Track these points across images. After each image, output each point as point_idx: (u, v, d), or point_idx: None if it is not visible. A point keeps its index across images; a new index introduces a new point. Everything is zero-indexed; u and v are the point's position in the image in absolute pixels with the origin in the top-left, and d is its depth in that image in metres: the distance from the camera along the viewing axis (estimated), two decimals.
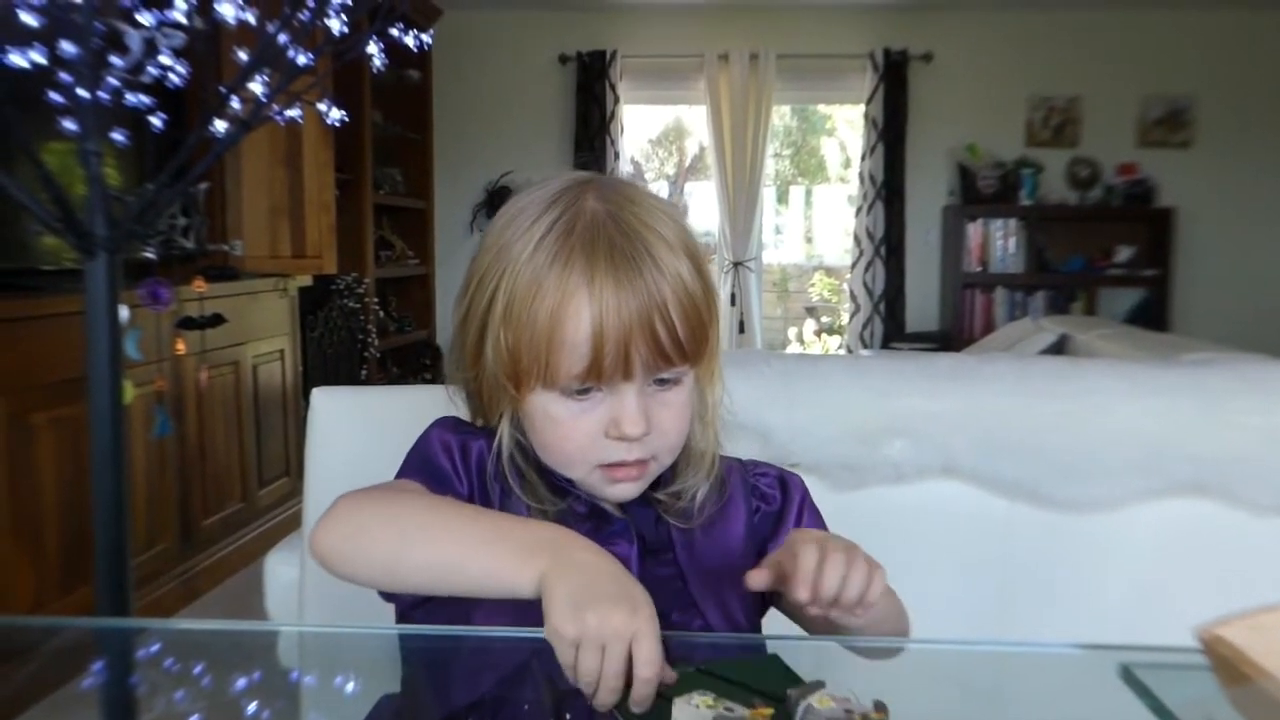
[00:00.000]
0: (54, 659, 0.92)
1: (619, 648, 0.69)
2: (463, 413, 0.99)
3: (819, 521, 1.03)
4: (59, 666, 0.89)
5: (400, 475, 0.94)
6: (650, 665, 0.69)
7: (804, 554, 0.78)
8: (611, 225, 0.87)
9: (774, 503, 1.02)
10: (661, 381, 0.90)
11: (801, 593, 0.77)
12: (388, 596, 0.94)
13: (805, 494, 1.04)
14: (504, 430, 0.94)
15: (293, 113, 1.68)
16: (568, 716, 0.79)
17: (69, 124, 1.56)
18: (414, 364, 5.50)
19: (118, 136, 1.60)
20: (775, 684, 0.75)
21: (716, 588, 0.96)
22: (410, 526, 0.83)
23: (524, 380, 0.89)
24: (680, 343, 0.87)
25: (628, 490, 0.92)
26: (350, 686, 0.91)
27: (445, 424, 0.97)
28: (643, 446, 0.89)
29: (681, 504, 0.95)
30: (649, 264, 0.86)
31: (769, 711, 0.68)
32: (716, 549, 0.97)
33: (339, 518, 0.84)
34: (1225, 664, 0.71)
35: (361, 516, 0.85)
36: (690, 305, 0.88)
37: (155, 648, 0.97)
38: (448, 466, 0.93)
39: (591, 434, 0.89)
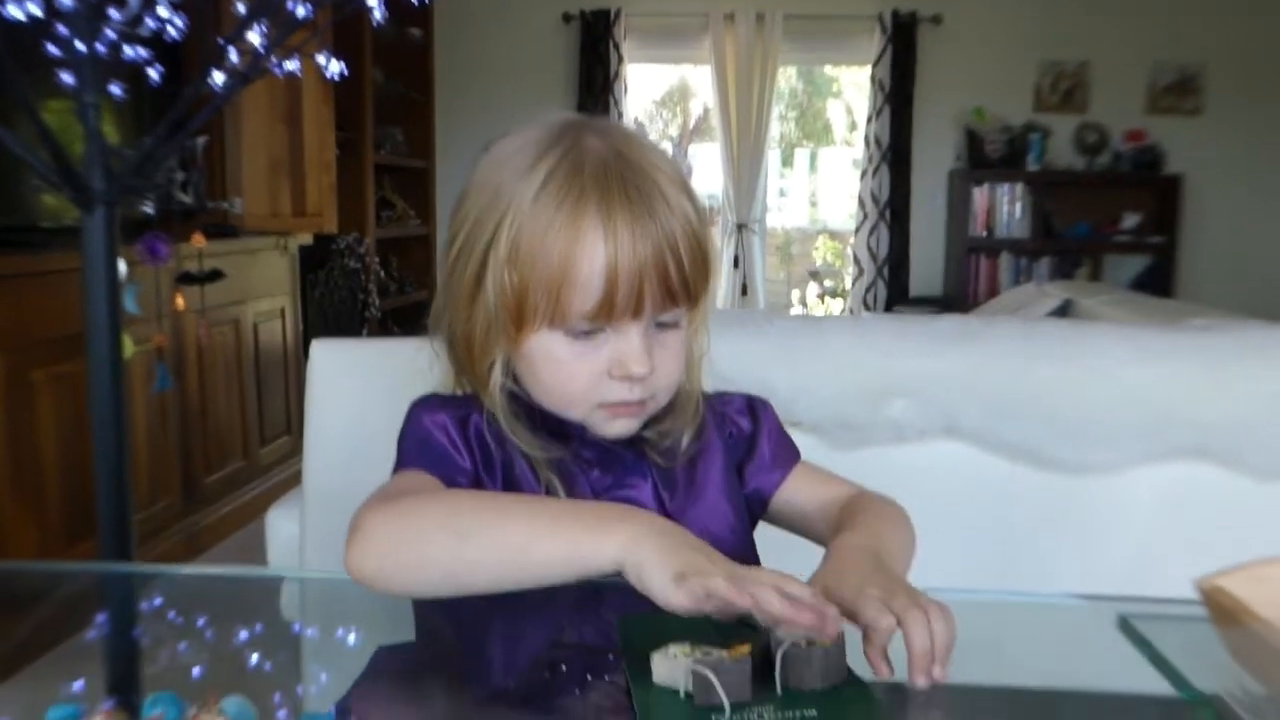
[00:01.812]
0: (60, 610, 0.93)
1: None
2: (442, 366, 0.98)
3: (787, 446, 1.05)
4: (65, 618, 0.90)
5: (400, 467, 0.92)
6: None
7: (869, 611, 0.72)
8: (620, 163, 0.87)
9: (745, 428, 1.04)
10: (661, 325, 0.90)
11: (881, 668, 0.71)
12: None
13: (774, 419, 1.06)
14: (496, 378, 0.93)
15: (291, 66, 1.66)
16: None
17: (66, 77, 1.55)
18: (415, 324, 5.49)
19: (115, 90, 1.59)
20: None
21: (701, 520, 0.97)
22: (465, 524, 0.79)
23: (528, 320, 0.88)
24: (687, 281, 0.88)
25: (626, 426, 0.93)
26: (351, 638, 0.92)
27: (429, 403, 0.95)
28: (644, 386, 0.90)
29: (666, 443, 0.96)
30: (661, 201, 0.86)
31: (745, 648, 0.68)
32: (698, 482, 0.98)
33: (375, 534, 0.79)
34: (1225, 614, 0.71)
35: (402, 526, 0.80)
36: (696, 244, 0.89)
37: (158, 601, 0.98)
38: (445, 443, 0.91)
39: (596, 374, 0.89)
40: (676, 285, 0.87)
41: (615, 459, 0.95)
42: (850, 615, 0.71)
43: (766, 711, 0.65)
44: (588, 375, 0.89)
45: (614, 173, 0.86)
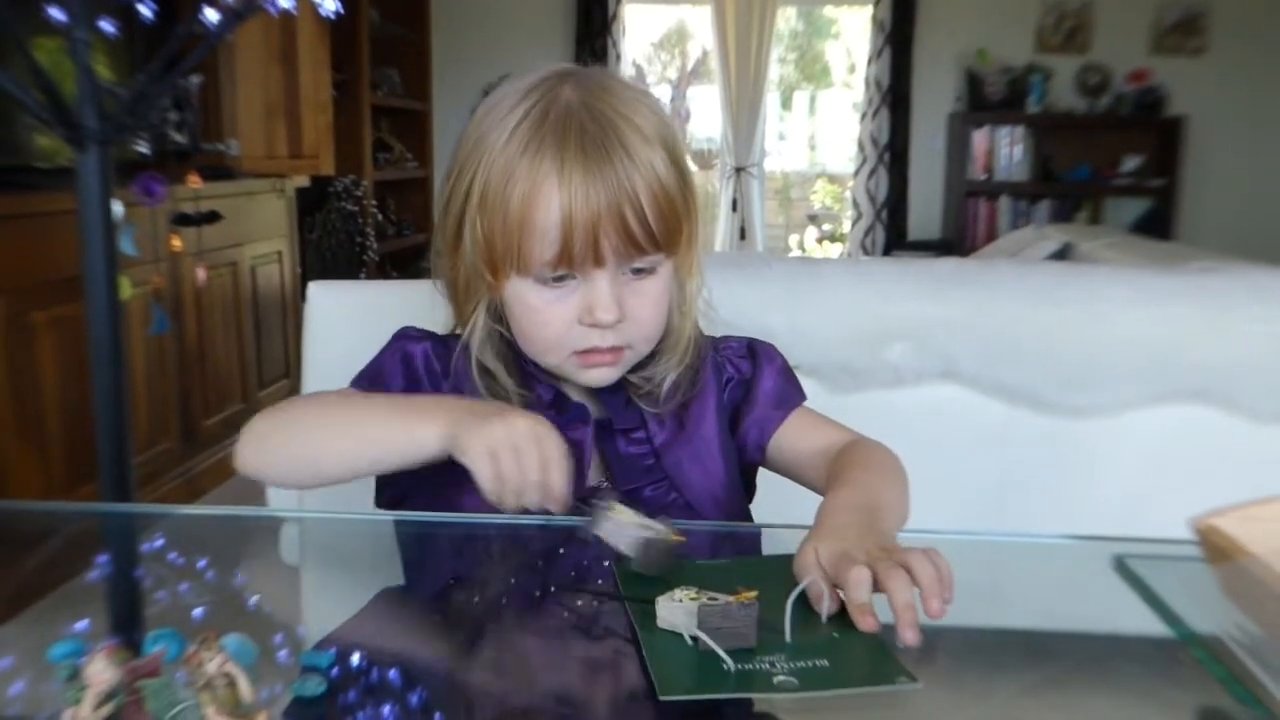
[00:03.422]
0: (62, 551, 0.93)
1: (530, 446, 0.78)
2: (443, 307, 1.01)
3: (791, 388, 1.05)
4: (67, 559, 0.90)
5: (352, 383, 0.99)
6: (558, 450, 0.79)
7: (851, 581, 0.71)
8: (584, 113, 0.88)
9: (744, 371, 1.04)
10: (638, 271, 0.91)
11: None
12: (379, 499, 0.99)
13: (776, 360, 1.05)
14: (479, 320, 0.95)
15: (285, 3, 1.64)
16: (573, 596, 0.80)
17: (57, 13, 1.53)
18: (413, 268, 5.47)
19: (106, 26, 1.57)
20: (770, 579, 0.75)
21: (693, 464, 0.98)
22: (317, 420, 0.91)
23: (500, 268, 0.90)
24: (651, 231, 0.88)
25: (603, 375, 0.94)
26: (351, 579, 0.92)
27: (402, 332, 1.01)
28: (617, 334, 0.91)
29: (650, 388, 0.97)
30: (619, 152, 0.87)
31: (753, 594, 0.68)
32: (689, 428, 0.99)
33: (256, 432, 0.91)
34: (1219, 554, 0.72)
35: (277, 424, 0.92)
36: (663, 194, 0.89)
37: (159, 541, 0.98)
38: (389, 369, 0.97)
39: (566, 321, 0.90)
40: (639, 234, 0.88)
41: (566, 405, 0.98)
42: (837, 585, 0.72)
43: (778, 660, 0.66)
44: (560, 322, 0.91)
45: (574, 123, 0.87)
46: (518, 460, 0.78)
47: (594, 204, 0.86)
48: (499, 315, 0.96)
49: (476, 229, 0.90)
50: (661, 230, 0.89)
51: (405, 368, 0.98)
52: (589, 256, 0.87)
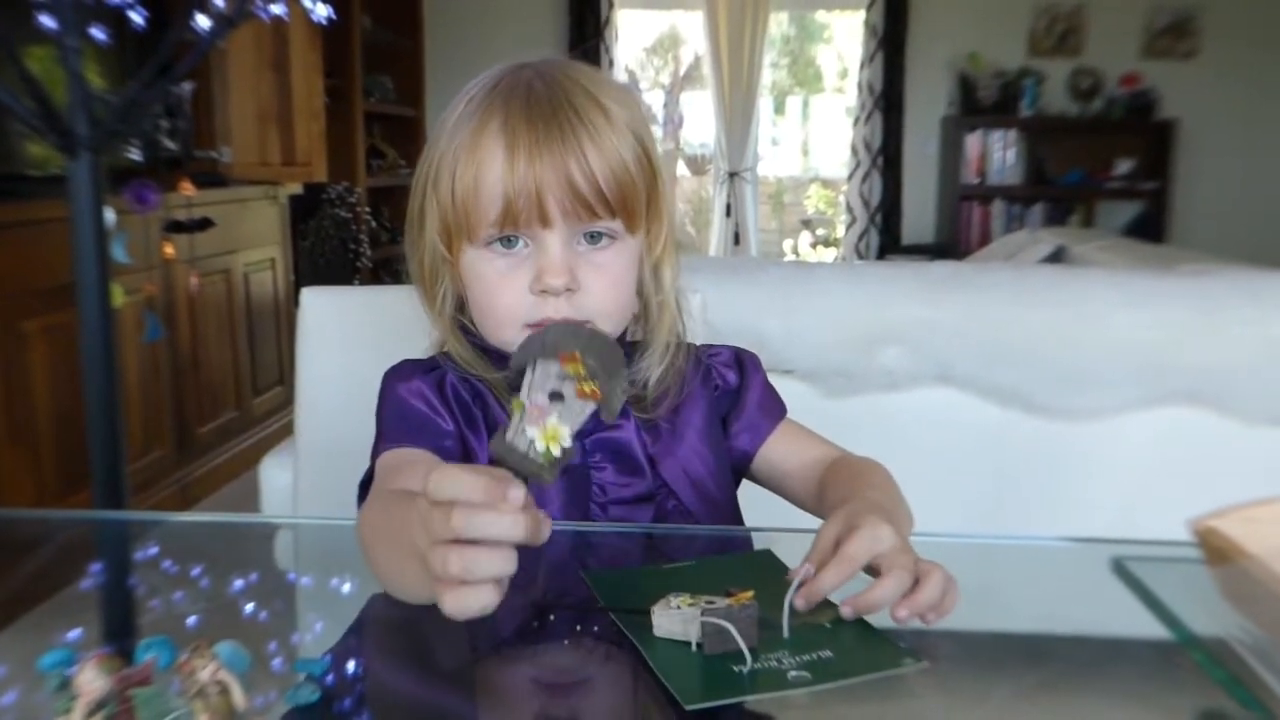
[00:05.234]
0: (56, 559, 0.93)
1: (442, 521, 0.57)
2: (422, 313, 1.00)
3: (773, 401, 1.05)
4: (60, 567, 0.90)
5: (382, 442, 0.91)
6: (470, 485, 0.57)
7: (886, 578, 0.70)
8: (536, 80, 0.88)
9: (731, 382, 1.03)
10: (593, 239, 0.89)
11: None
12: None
13: (761, 371, 1.05)
14: (446, 309, 0.95)
15: (277, 9, 1.64)
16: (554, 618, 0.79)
17: (47, 20, 1.52)
18: (406, 274, 5.46)
19: (97, 33, 1.56)
20: (766, 576, 0.75)
21: (685, 468, 0.97)
22: (375, 559, 0.75)
23: (455, 240, 0.90)
24: (601, 190, 0.86)
25: None
26: (346, 586, 0.92)
27: (402, 371, 0.96)
28: (571, 305, 0.88)
29: (635, 389, 0.95)
30: (567, 111, 0.85)
31: (749, 594, 0.68)
32: (679, 429, 0.97)
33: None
34: (1218, 555, 0.72)
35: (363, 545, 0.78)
36: (616, 158, 0.87)
37: (153, 549, 0.97)
38: (425, 410, 0.92)
39: (519, 290, 0.89)
40: (588, 193, 0.85)
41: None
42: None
43: (782, 657, 0.66)
44: (511, 293, 0.89)
45: (522, 87, 0.87)
46: (454, 545, 0.57)
47: (539, 159, 0.84)
48: (462, 305, 0.95)
49: (434, 206, 0.91)
50: (614, 192, 0.86)
51: (442, 402, 0.93)
52: (535, 216, 0.85)
